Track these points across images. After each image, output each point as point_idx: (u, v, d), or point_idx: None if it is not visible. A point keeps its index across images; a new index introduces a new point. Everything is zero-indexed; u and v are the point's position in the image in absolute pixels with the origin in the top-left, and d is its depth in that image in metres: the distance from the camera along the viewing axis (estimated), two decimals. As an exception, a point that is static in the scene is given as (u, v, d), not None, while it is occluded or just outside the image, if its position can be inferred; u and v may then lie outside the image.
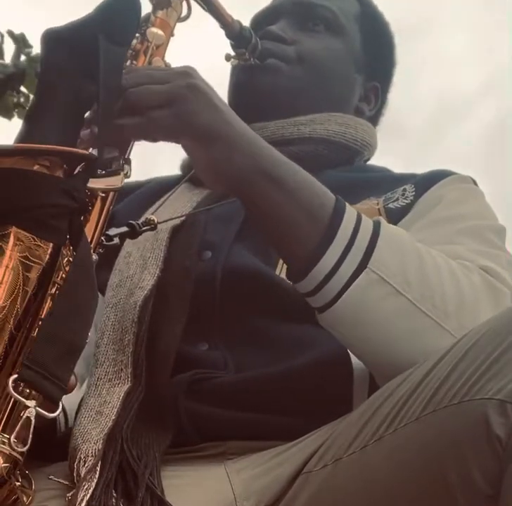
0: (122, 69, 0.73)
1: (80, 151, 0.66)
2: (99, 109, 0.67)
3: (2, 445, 0.61)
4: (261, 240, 0.87)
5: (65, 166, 0.65)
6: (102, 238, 0.72)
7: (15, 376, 0.60)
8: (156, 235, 0.93)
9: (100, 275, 0.90)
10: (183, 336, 0.85)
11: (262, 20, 1.14)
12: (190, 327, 0.86)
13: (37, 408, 0.61)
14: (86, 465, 0.70)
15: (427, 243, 0.87)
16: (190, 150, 0.77)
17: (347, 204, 0.78)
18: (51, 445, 0.77)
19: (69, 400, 0.77)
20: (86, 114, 0.72)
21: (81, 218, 0.67)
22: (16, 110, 2.66)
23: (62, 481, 0.71)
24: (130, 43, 0.77)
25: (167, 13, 0.87)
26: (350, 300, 0.75)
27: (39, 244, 0.63)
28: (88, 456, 0.71)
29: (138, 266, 0.91)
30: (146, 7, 0.87)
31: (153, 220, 0.86)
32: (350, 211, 0.78)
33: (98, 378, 0.81)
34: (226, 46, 1.05)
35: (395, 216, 0.95)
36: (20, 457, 0.62)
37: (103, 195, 0.68)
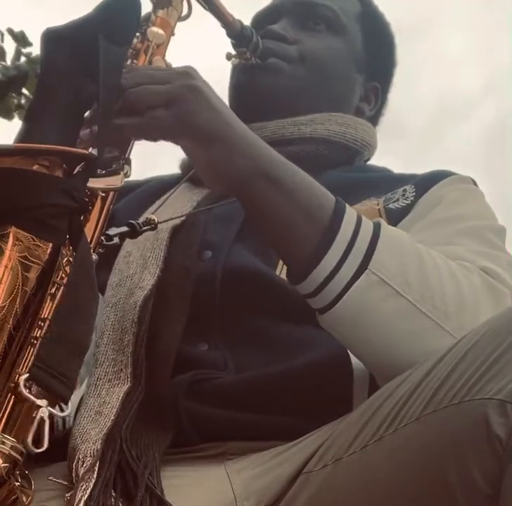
0: (122, 68, 0.73)
1: (80, 151, 0.66)
2: (99, 109, 0.67)
3: (1, 446, 0.61)
4: (261, 240, 0.87)
5: (64, 165, 0.64)
6: (102, 238, 0.71)
7: (26, 375, 0.60)
8: (156, 235, 0.92)
9: (99, 274, 0.90)
10: (183, 337, 0.85)
11: (263, 19, 1.13)
12: (191, 327, 0.86)
13: (49, 408, 0.61)
14: (84, 465, 0.70)
15: (428, 244, 0.87)
16: (190, 150, 0.77)
17: (347, 205, 0.78)
18: (51, 445, 0.77)
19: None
20: (86, 114, 0.72)
21: (81, 218, 0.66)
22: (17, 112, 2.67)
23: (61, 481, 0.71)
24: (130, 43, 0.77)
25: (168, 12, 0.87)
26: (351, 301, 0.75)
27: (39, 244, 0.63)
28: (86, 456, 0.71)
29: (138, 266, 0.91)
30: (147, 6, 0.88)
31: (153, 220, 0.86)
32: (350, 213, 0.78)
33: (97, 378, 0.81)
34: (227, 45, 1.05)
35: (395, 217, 0.95)
36: (19, 458, 0.62)
37: (103, 194, 0.68)
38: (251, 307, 0.88)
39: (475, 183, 1.02)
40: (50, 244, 0.64)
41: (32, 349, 0.63)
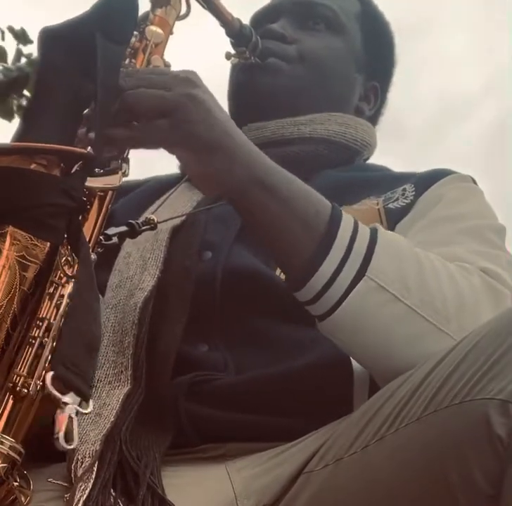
0: (120, 67, 0.72)
1: (78, 150, 0.66)
2: (96, 108, 0.66)
3: (0, 446, 0.61)
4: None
5: (62, 165, 0.64)
6: (100, 237, 0.71)
7: (52, 373, 0.59)
8: (156, 236, 0.92)
9: (99, 275, 0.89)
10: (184, 337, 0.85)
11: (262, 18, 1.13)
12: (191, 327, 0.86)
13: (75, 405, 0.60)
14: (83, 466, 0.70)
15: (428, 243, 0.87)
16: (186, 160, 0.76)
17: (343, 212, 0.78)
18: (51, 446, 0.77)
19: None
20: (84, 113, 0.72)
21: (79, 218, 0.66)
22: (19, 113, 2.66)
23: (61, 482, 0.71)
24: (128, 41, 0.77)
25: (166, 11, 0.87)
26: (349, 308, 0.75)
27: (36, 243, 0.62)
28: (85, 457, 0.71)
29: (138, 267, 0.90)
30: (145, 5, 0.88)
31: (153, 219, 0.86)
32: (347, 219, 0.78)
33: (98, 380, 0.81)
34: (226, 45, 1.05)
35: (395, 217, 0.95)
36: (17, 458, 0.62)
37: (101, 194, 0.68)
38: (251, 308, 0.87)
39: (474, 182, 1.02)
40: (48, 244, 0.64)
41: (30, 349, 0.63)
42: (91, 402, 0.63)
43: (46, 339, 0.64)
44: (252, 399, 0.81)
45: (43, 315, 0.64)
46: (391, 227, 0.94)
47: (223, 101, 1.09)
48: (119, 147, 0.71)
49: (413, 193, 0.98)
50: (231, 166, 0.75)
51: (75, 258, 0.65)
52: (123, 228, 0.83)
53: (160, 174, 1.11)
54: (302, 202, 0.77)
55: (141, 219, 0.87)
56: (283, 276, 0.86)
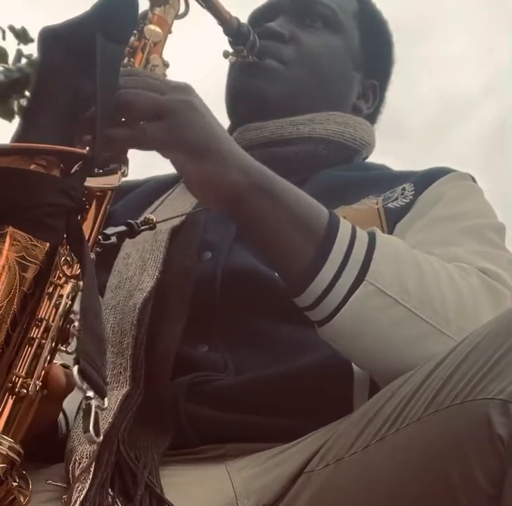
0: (120, 67, 0.72)
1: (77, 150, 0.65)
2: (96, 108, 0.66)
3: (-1, 446, 0.61)
4: None
5: (61, 165, 0.64)
6: (99, 237, 0.71)
7: (77, 366, 0.59)
8: (155, 236, 0.92)
9: (99, 276, 0.89)
10: (183, 338, 0.85)
11: (260, 16, 1.13)
12: (190, 328, 0.86)
13: (97, 400, 0.60)
14: (80, 466, 0.70)
15: (428, 243, 0.87)
16: (181, 165, 0.76)
17: (341, 218, 0.78)
18: (52, 447, 0.77)
19: (69, 405, 0.77)
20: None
21: (79, 218, 0.66)
22: (20, 114, 2.66)
23: (60, 484, 0.71)
24: (128, 41, 0.77)
25: (165, 10, 0.87)
26: (349, 313, 0.75)
27: (36, 243, 0.62)
28: (83, 457, 0.71)
29: (137, 268, 0.90)
30: (144, 4, 0.87)
31: (152, 219, 0.85)
32: (345, 224, 0.78)
33: None
34: (224, 43, 1.04)
35: (394, 216, 0.95)
36: (16, 458, 0.62)
37: (100, 194, 0.67)
38: (251, 308, 0.87)
39: (474, 180, 1.02)
40: (48, 244, 0.63)
41: (29, 349, 0.63)
42: (106, 400, 0.63)
43: (44, 339, 0.64)
44: (252, 400, 0.81)
45: (43, 316, 0.64)
46: (390, 226, 0.94)
47: (221, 100, 1.10)
48: (116, 147, 0.71)
49: (413, 192, 0.98)
50: (225, 170, 0.74)
51: (74, 258, 0.65)
52: (122, 228, 0.83)
53: (160, 174, 1.11)
54: (301, 207, 0.77)
55: (140, 219, 0.87)
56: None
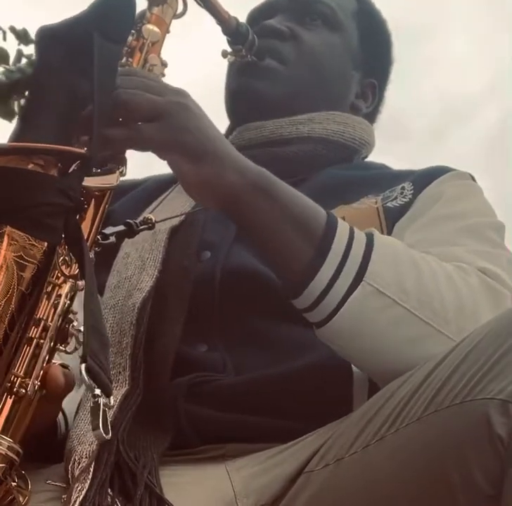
0: (117, 66, 0.72)
1: (75, 149, 0.65)
2: (93, 108, 0.66)
3: (-3, 446, 0.61)
4: None
5: (59, 164, 0.64)
6: (98, 237, 0.71)
7: (84, 365, 0.59)
8: (154, 236, 0.92)
9: (98, 276, 0.89)
10: (182, 337, 0.85)
11: (258, 15, 1.13)
12: (189, 327, 0.86)
13: (104, 398, 0.60)
14: (80, 466, 0.70)
15: (427, 242, 0.87)
16: (178, 166, 0.76)
17: (339, 218, 0.78)
18: (51, 447, 0.77)
19: (68, 404, 0.77)
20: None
21: (77, 217, 0.66)
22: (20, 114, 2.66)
23: (59, 484, 0.71)
24: (125, 40, 0.77)
25: (163, 10, 0.87)
26: (348, 314, 0.75)
27: (34, 243, 0.62)
28: (82, 457, 0.71)
29: (137, 267, 0.90)
30: (142, 4, 0.88)
31: (151, 219, 0.85)
32: (342, 225, 0.77)
33: None
34: (223, 43, 1.04)
35: (394, 215, 0.95)
36: (15, 458, 0.62)
37: (99, 193, 0.67)
38: (250, 308, 0.87)
39: (473, 179, 1.02)
40: (46, 244, 0.63)
41: (28, 349, 0.63)
42: (111, 398, 0.63)
43: (43, 339, 0.64)
44: (251, 400, 0.81)
45: (41, 316, 0.64)
46: (390, 226, 0.93)
47: (220, 100, 1.10)
48: (113, 147, 0.71)
49: (412, 191, 0.97)
50: (222, 171, 0.74)
51: (73, 258, 0.65)
52: (121, 228, 0.83)
53: (158, 174, 1.11)
54: (298, 207, 0.77)
55: (139, 219, 0.87)
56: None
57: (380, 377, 0.78)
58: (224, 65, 1.09)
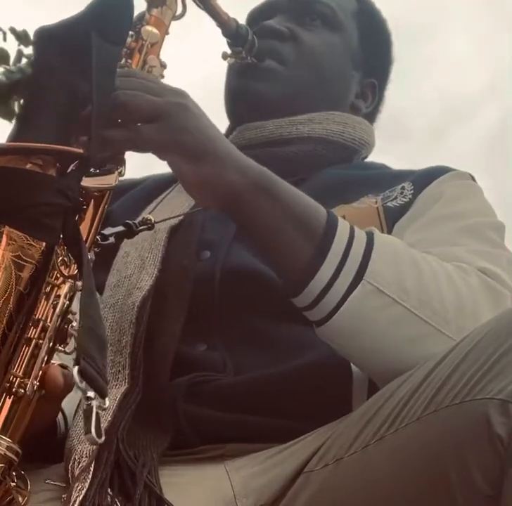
0: (116, 66, 0.72)
1: (73, 149, 0.65)
2: (92, 108, 0.66)
3: (-4, 446, 0.61)
4: None
5: (58, 164, 0.64)
6: (97, 237, 0.71)
7: (77, 367, 0.59)
8: (154, 235, 0.92)
9: (98, 275, 0.89)
10: (182, 337, 0.85)
11: (258, 15, 1.13)
12: (189, 327, 0.86)
13: (98, 400, 0.60)
14: (80, 466, 0.70)
15: (427, 242, 0.87)
16: (177, 167, 0.76)
17: (339, 217, 0.78)
18: (51, 447, 0.77)
19: (68, 404, 0.77)
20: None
21: (76, 218, 0.66)
22: (20, 114, 2.66)
23: (59, 483, 0.71)
24: (124, 40, 0.77)
25: (162, 11, 0.87)
26: (347, 313, 0.75)
27: (32, 243, 0.62)
28: (82, 457, 0.71)
29: (136, 266, 0.90)
30: (141, 5, 0.87)
31: (150, 219, 0.85)
32: (343, 224, 0.77)
33: None
34: (223, 45, 1.04)
35: (394, 215, 0.95)
36: (14, 458, 0.62)
37: (98, 194, 0.67)
38: (250, 307, 0.87)
39: (473, 179, 1.02)
40: (44, 243, 0.63)
41: (27, 349, 0.63)
42: (107, 399, 0.63)
43: (42, 339, 0.64)
44: (251, 399, 0.81)
45: (40, 316, 0.64)
46: (390, 225, 0.93)
47: (220, 101, 1.10)
48: (112, 148, 0.71)
49: (412, 191, 0.97)
50: (223, 171, 0.74)
51: (72, 258, 0.65)
52: (120, 228, 0.83)
53: (158, 173, 1.11)
54: (299, 206, 0.77)
55: (138, 219, 0.87)
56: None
57: (380, 377, 0.78)
58: (223, 66, 1.09)
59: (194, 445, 0.80)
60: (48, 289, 0.64)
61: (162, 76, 0.85)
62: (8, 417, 0.62)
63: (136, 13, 0.82)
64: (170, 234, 0.93)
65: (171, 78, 0.85)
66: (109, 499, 0.67)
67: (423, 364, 0.69)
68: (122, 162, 0.71)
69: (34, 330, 0.64)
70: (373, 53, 1.15)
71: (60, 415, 0.78)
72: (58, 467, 0.74)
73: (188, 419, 0.80)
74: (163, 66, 0.85)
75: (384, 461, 0.67)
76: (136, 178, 1.10)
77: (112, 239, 0.79)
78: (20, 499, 0.62)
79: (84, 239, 0.66)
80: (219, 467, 0.77)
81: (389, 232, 0.93)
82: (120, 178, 0.71)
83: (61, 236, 0.64)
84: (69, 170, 0.64)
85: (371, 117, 1.18)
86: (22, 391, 0.62)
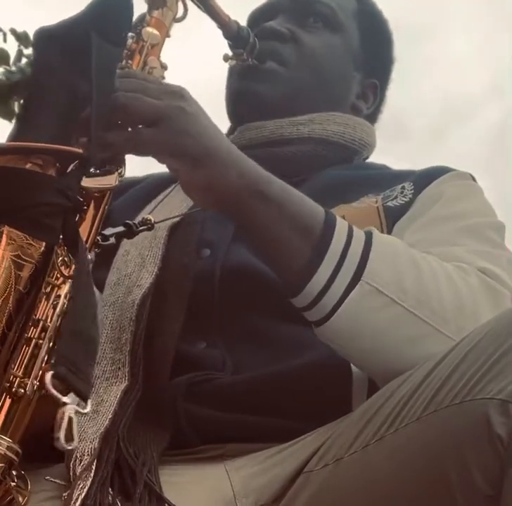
0: (115, 67, 0.72)
1: (73, 149, 0.66)
2: (92, 108, 0.66)
3: (-4, 446, 0.61)
4: None
5: (57, 164, 0.64)
6: (98, 238, 0.71)
7: (52, 372, 0.59)
8: (154, 233, 0.92)
9: (98, 273, 0.90)
10: (182, 335, 0.85)
11: (259, 16, 1.13)
12: (189, 324, 0.86)
13: (74, 406, 0.60)
14: (82, 464, 0.70)
15: (427, 242, 0.87)
16: (178, 170, 0.76)
17: (338, 217, 0.78)
18: (52, 447, 0.76)
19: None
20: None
21: (76, 218, 0.66)
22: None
23: (59, 481, 0.71)
24: (123, 40, 0.77)
25: (163, 13, 0.87)
26: (346, 313, 0.75)
27: (31, 243, 0.62)
28: (84, 455, 0.71)
29: (137, 264, 0.90)
30: (142, 7, 0.87)
31: (150, 220, 0.86)
32: (341, 223, 0.77)
33: (95, 377, 0.80)
34: (224, 46, 1.04)
35: (394, 215, 0.95)
36: (15, 458, 0.62)
37: (98, 194, 0.68)
38: (250, 305, 0.87)
39: (473, 179, 1.02)
40: (44, 243, 0.63)
41: (26, 349, 0.63)
42: (89, 402, 0.63)
43: (42, 339, 0.64)
44: (251, 399, 0.81)
45: (40, 316, 0.64)
46: (390, 225, 0.93)
47: (221, 103, 1.10)
48: (112, 150, 0.71)
49: (412, 191, 0.98)
50: (223, 174, 0.74)
51: (72, 258, 0.65)
52: (120, 229, 0.83)
53: (158, 172, 1.11)
54: (297, 207, 0.77)
55: (138, 219, 0.87)
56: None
57: (379, 377, 0.78)
58: (224, 67, 1.09)
59: (194, 444, 0.80)
60: (48, 289, 0.64)
61: (163, 78, 0.85)
62: (8, 416, 0.62)
63: (137, 14, 0.82)
64: (170, 232, 0.93)
65: (172, 79, 0.85)
66: (110, 498, 0.67)
67: (422, 364, 0.69)
68: (122, 163, 0.71)
69: (34, 330, 0.64)
70: (374, 53, 1.15)
71: (60, 415, 0.78)
72: (59, 467, 0.74)
73: (188, 418, 0.80)
74: (164, 67, 0.85)
75: (384, 461, 0.67)
76: (136, 176, 1.10)
77: (112, 240, 0.79)
78: (20, 499, 0.62)
79: (85, 239, 0.66)
80: (219, 467, 0.77)
81: (390, 231, 0.93)
82: (120, 178, 0.71)
83: (61, 236, 0.64)
84: (69, 170, 0.64)
85: (372, 117, 1.18)
86: (22, 391, 0.63)
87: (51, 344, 0.65)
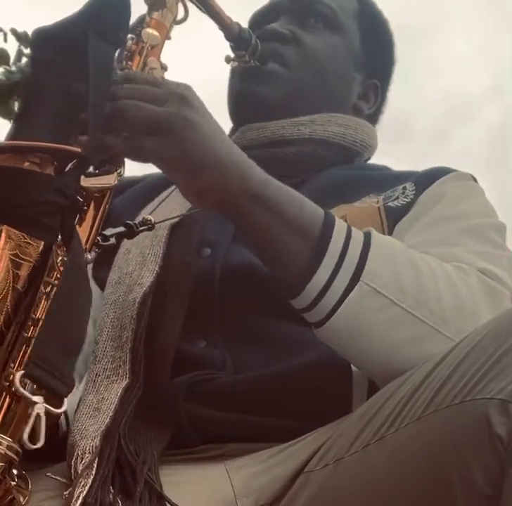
0: (113, 66, 0.72)
1: (71, 148, 0.66)
2: (89, 106, 0.66)
3: (-4, 445, 0.61)
4: None
5: (55, 163, 0.64)
6: (98, 238, 0.71)
7: (22, 372, 0.59)
8: (155, 232, 0.92)
9: (99, 272, 0.90)
10: (182, 334, 0.85)
11: (261, 18, 1.13)
12: (189, 323, 0.86)
13: (45, 404, 0.60)
14: (83, 462, 0.69)
15: (428, 242, 0.87)
16: (177, 178, 0.76)
17: (336, 217, 0.78)
18: (52, 446, 0.76)
19: (69, 401, 0.77)
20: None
21: (74, 217, 0.66)
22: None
23: (59, 478, 0.71)
24: (121, 39, 0.77)
25: (162, 14, 0.87)
26: (345, 314, 0.75)
27: (30, 241, 0.62)
28: (85, 453, 0.71)
29: (138, 263, 0.91)
30: (142, 9, 0.87)
31: (150, 220, 0.86)
32: (340, 224, 0.77)
33: (96, 374, 0.81)
34: (226, 48, 1.04)
35: (395, 215, 0.95)
36: (15, 457, 0.62)
37: (98, 194, 0.67)
38: (250, 305, 0.87)
39: (475, 180, 1.02)
40: (42, 242, 0.63)
41: (26, 348, 0.63)
42: (65, 401, 0.63)
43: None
44: (251, 399, 0.81)
45: (39, 316, 0.64)
46: (391, 225, 0.93)
47: (223, 105, 1.10)
48: (109, 153, 0.71)
49: (414, 192, 0.97)
50: (221, 180, 0.74)
51: (72, 258, 0.65)
52: (121, 229, 0.83)
53: (158, 171, 1.11)
54: (296, 209, 0.77)
55: (139, 219, 0.87)
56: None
57: (379, 377, 0.78)
58: (225, 68, 1.09)
59: (194, 444, 0.80)
60: (48, 289, 0.64)
61: (163, 79, 0.84)
62: (8, 415, 0.62)
63: (138, 15, 0.82)
64: (171, 231, 0.93)
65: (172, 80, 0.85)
66: (110, 496, 0.67)
67: (422, 364, 0.69)
68: (121, 163, 0.71)
69: (34, 330, 0.64)
70: (374, 53, 1.15)
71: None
72: (60, 466, 0.74)
73: (188, 418, 0.80)
74: (164, 68, 0.85)
75: (384, 461, 0.67)
76: (135, 176, 1.10)
77: (113, 240, 0.79)
78: (21, 498, 0.62)
79: (85, 239, 0.66)
80: (220, 467, 0.77)
81: (391, 232, 0.93)
82: (119, 178, 0.71)
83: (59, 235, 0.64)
84: (67, 169, 0.64)
85: (373, 117, 1.17)
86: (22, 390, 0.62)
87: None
